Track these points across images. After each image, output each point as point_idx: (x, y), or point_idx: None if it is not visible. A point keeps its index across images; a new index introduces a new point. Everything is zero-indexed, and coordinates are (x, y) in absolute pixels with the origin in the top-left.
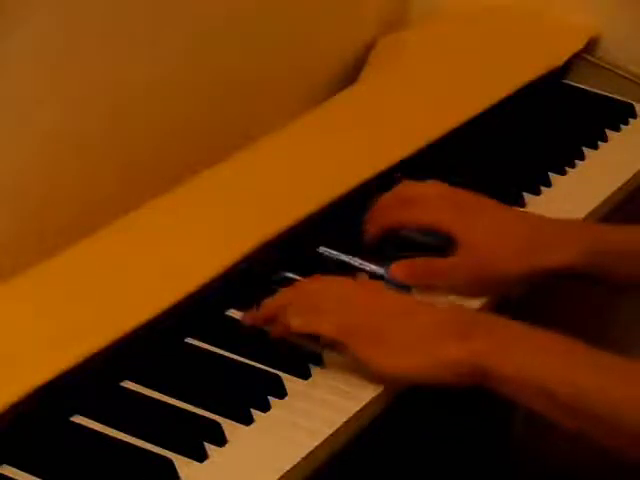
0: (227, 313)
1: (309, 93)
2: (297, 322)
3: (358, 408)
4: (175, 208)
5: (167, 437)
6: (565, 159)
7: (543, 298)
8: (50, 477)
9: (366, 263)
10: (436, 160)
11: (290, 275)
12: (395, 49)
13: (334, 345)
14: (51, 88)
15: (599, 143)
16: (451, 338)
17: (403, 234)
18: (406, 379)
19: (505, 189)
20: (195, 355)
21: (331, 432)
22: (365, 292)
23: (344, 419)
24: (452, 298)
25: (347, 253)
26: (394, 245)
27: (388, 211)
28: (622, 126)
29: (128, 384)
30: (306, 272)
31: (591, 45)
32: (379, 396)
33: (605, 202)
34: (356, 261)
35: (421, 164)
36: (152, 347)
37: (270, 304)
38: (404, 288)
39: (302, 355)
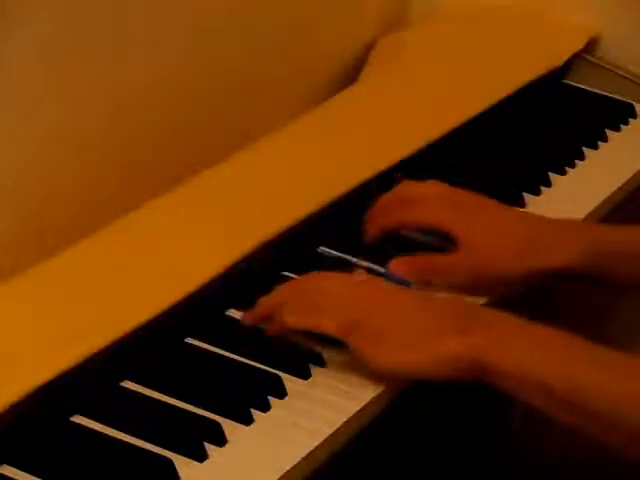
0: (227, 313)
1: (309, 93)
2: (293, 319)
3: (358, 408)
4: (175, 208)
5: (167, 437)
6: (565, 159)
7: (543, 298)
8: (50, 477)
9: (366, 263)
10: (436, 160)
11: (290, 275)
12: (395, 49)
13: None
14: (51, 88)
15: (599, 143)
16: (451, 333)
17: (403, 234)
18: (406, 375)
19: (505, 189)
20: (195, 355)
21: (331, 432)
22: (364, 288)
23: (344, 419)
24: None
25: (347, 253)
26: (394, 245)
27: (388, 211)
28: (622, 126)
29: (128, 384)
30: (306, 272)
31: (591, 45)
32: (379, 396)
33: (605, 202)
34: (356, 261)
35: (421, 164)
36: (152, 347)
37: (266, 302)
38: (404, 284)
39: (302, 355)
